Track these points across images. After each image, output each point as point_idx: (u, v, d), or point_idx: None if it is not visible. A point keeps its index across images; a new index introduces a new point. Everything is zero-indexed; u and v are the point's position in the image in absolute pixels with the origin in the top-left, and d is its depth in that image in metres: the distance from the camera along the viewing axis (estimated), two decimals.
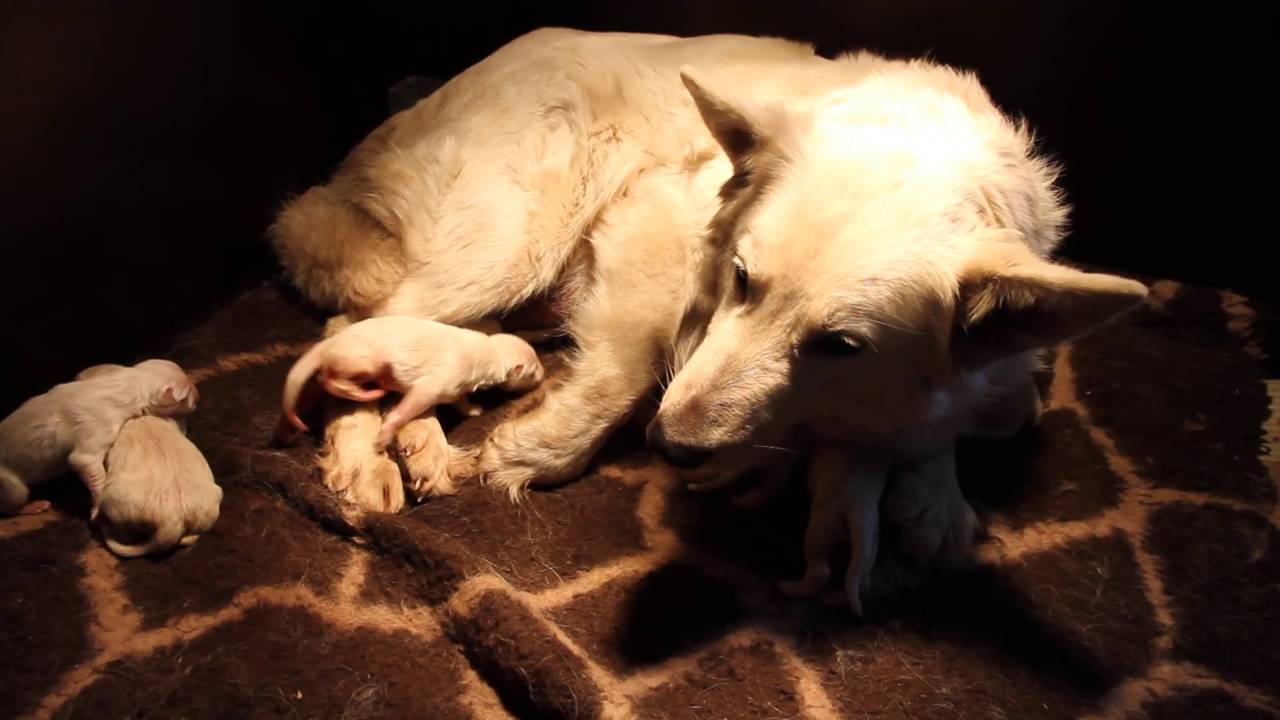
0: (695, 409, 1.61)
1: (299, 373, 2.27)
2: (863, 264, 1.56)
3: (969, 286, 1.56)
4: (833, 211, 1.59)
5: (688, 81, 1.80)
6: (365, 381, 2.30)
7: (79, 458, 2.05)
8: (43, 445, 2.05)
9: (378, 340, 2.29)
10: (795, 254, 1.59)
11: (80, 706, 1.71)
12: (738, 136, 1.81)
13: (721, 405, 1.61)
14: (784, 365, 1.62)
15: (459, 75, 2.84)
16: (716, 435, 1.62)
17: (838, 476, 2.02)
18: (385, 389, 2.33)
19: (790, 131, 1.72)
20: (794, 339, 1.60)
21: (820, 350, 1.61)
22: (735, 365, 1.62)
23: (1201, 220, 2.77)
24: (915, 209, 1.58)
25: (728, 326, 1.69)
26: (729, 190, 1.90)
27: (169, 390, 2.20)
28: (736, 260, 1.70)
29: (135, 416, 2.15)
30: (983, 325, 1.58)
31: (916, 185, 1.60)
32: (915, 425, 1.87)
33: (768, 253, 1.63)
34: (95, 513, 2.04)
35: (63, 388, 2.14)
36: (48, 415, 2.07)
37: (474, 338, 2.46)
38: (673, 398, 1.65)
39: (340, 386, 2.27)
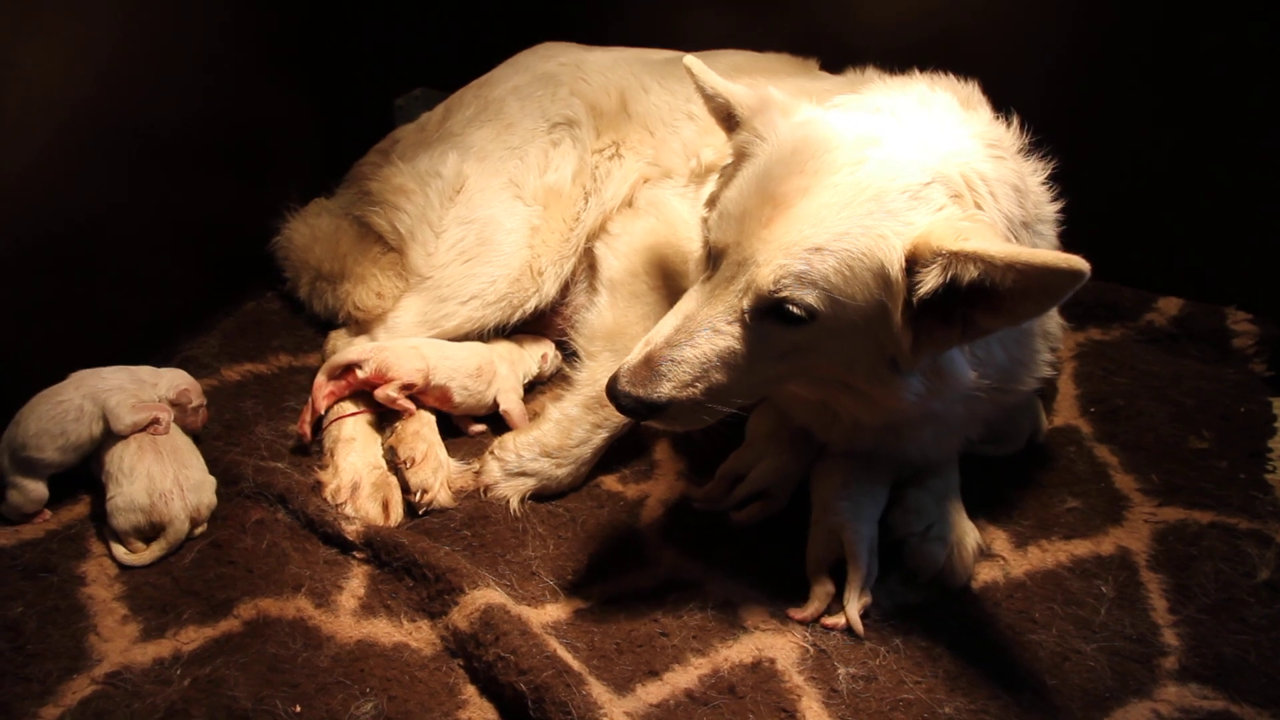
0: (648, 362, 1.69)
1: (341, 357, 2.34)
2: (810, 234, 1.58)
3: (918, 261, 1.55)
4: (791, 185, 1.63)
5: (687, 68, 1.87)
6: (411, 393, 2.35)
7: (125, 420, 2.08)
8: (67, 419, 2.06)
9: (435, 361, 2.35)
10: (750, 223, 1.64)
11: (78, 717, 1.71)
12: (730, 120, 1.87)
13: (672, 361, 1.69)
14: (735, 329, 1.67)
15: (462, 89, 2.84)
16: (666, 389, 1.69)
17: (832, 492, 2.01)
18: (428, 404, 2.39)
19: (768, 112, 1.78)
20: (745, 304, 1.65)
21: (771, 318, 1.64)
22: (690, 325, 1.69)
23: (1206, 236, 2.75)
24: (873, 185, 1.59)
25: (692, 292, 1.75)
26: (723, 170, 1.94)
27: (186, 389, 2.25)
28: (705, 231, 1.78)
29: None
30: (938, 303, 1.57)
31: (880, 163, 1.61)
32: (907, 422, 1.87)
33: (726, 221, 1.69)
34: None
35: (79, 373, 2.19)
36: (72, 390, 2.11)
37: (502, 346, 2.55)
38: (633, 353, 1.73)
39: (389, 394, 2.30)
